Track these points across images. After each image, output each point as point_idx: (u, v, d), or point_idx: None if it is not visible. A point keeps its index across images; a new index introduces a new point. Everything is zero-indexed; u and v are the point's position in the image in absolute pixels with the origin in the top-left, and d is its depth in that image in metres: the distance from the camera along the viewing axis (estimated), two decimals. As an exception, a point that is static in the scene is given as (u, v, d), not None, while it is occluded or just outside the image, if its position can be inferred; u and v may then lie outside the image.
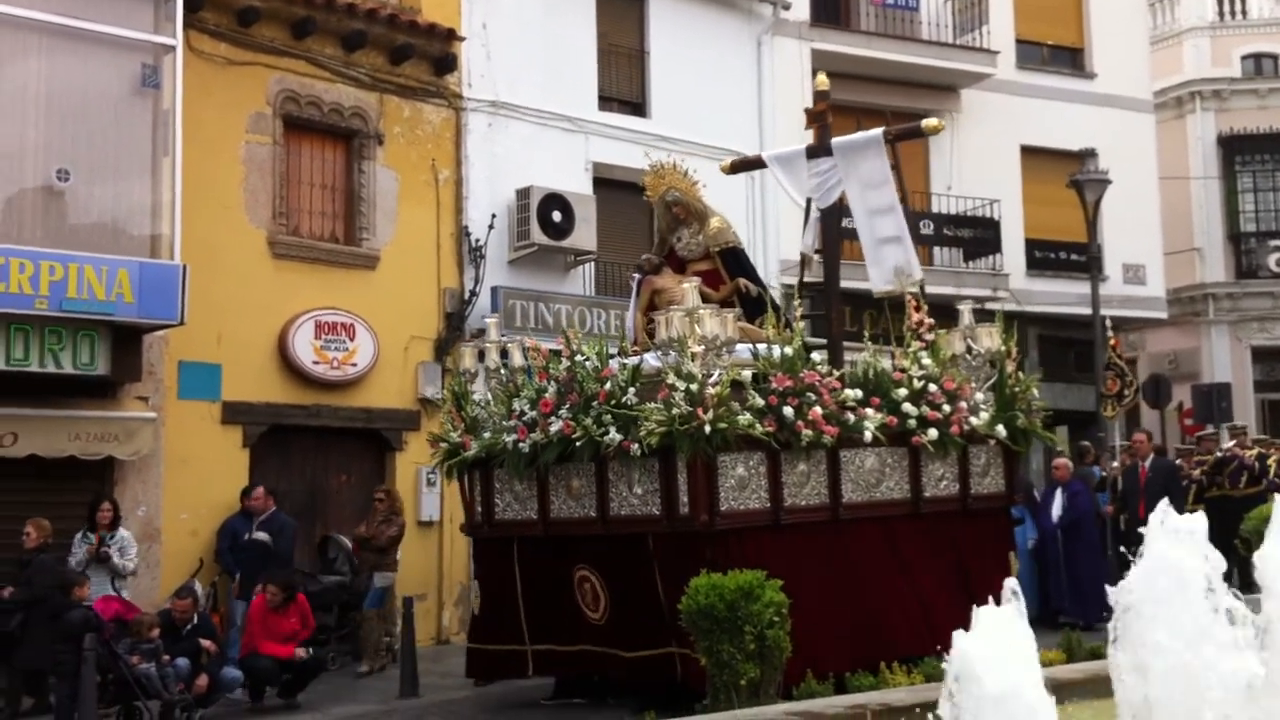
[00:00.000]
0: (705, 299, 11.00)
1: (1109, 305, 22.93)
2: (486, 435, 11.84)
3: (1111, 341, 18.25)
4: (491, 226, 17.81)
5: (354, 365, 16.48)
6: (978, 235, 23.84)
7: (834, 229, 12.78)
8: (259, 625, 13.03)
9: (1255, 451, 18.45)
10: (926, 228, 23.30)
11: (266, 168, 16.18)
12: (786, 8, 21.43)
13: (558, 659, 11.79)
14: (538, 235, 17.83)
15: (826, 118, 12.83)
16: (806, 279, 13.63)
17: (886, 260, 12.60)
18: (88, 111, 13.95)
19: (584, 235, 18.08)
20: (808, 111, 13.25)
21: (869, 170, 12.52)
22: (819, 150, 12.72)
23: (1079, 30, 26.23)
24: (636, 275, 13.12)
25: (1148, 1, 28.29)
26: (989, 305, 23.40)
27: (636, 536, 10.84)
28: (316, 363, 16.24)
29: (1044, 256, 25.08)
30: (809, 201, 12.93)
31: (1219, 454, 18.60)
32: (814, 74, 21.23)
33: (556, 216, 17.98)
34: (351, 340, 16.47)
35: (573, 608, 11.44)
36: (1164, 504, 5.19)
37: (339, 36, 16.77)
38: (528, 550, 11.89)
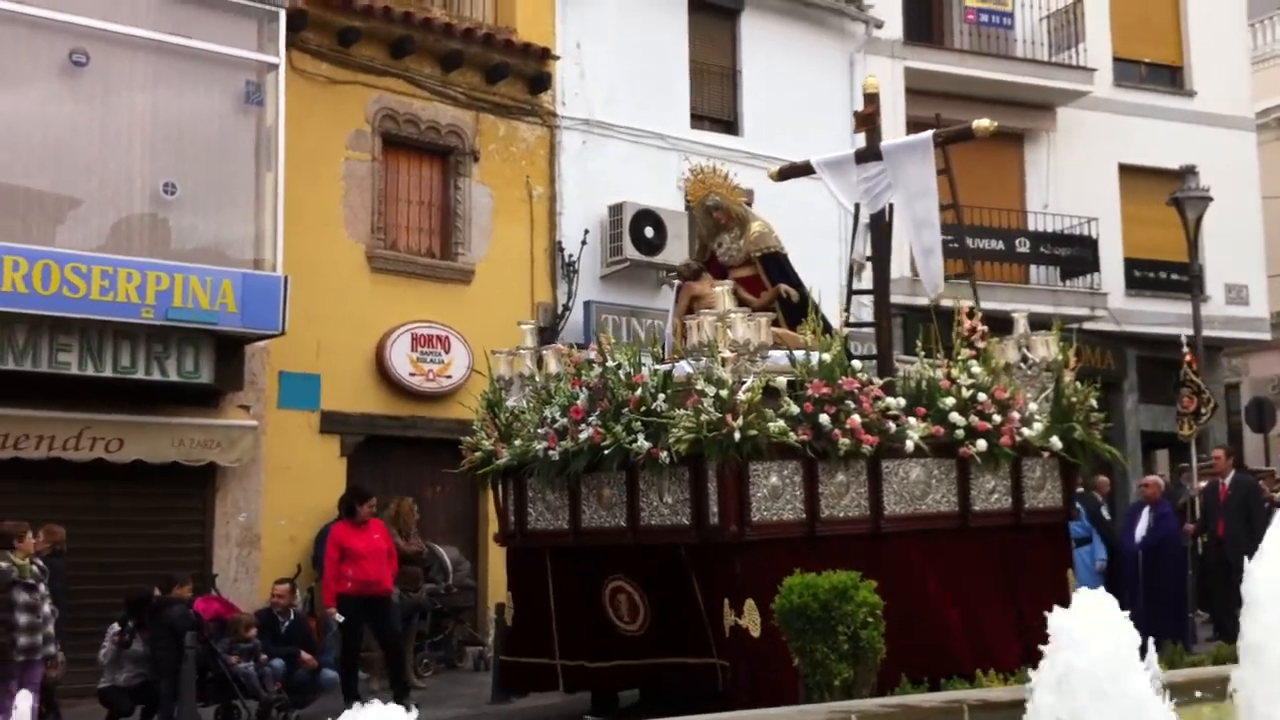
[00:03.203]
0: (744, 305, 10.80)
1: (1210, 326, 22.63)
2: (518, 443, 11.56)
3: (1187, 358, 17.95)
4: (584, 242, 18.08)
5: (449, 378, 16.78)
6: (1075, 254, 23.66)
7: (884, 235, 12.44)
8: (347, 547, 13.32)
9: None
10: (1022, 245, 23.24)
11: (365, 184, 16.59)
12: (879, 26, 21.50)
13: (588, 675, 11.47)
14: (630, 251, 18.05)
15: (876, 121, 12.53)
16: (856, 287, 13.40)
17: (931, 267, 12.40)
18: (194, 127, 14.44)
19: (676, 251, 18.24)
20: (857, 115, 12.99)
21: (917, 174, 12.18)
22: (868, 154, 12.39)
23: (1178, 48, 25.99)
24: (676, 281, 12.85)
25: (1248, 21, 27.95)
26: (1087, 325, 23.31)
27: (670, 546, 10.58)
28: (412, 374, 16.58)
29: (1143, 276, 24.82)
30: (858, 208, 12.71)
31: None
32: (909, 93, 21.50)
33: (649, 233, 18.19)
34: (447, 353, 16.78)
35: (604, 621, 11.16)
36: None
37: (436, 56, 17.16)
38: (560, 561, 11.65)
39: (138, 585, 12.89)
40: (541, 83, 18.02)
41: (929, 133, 12.51)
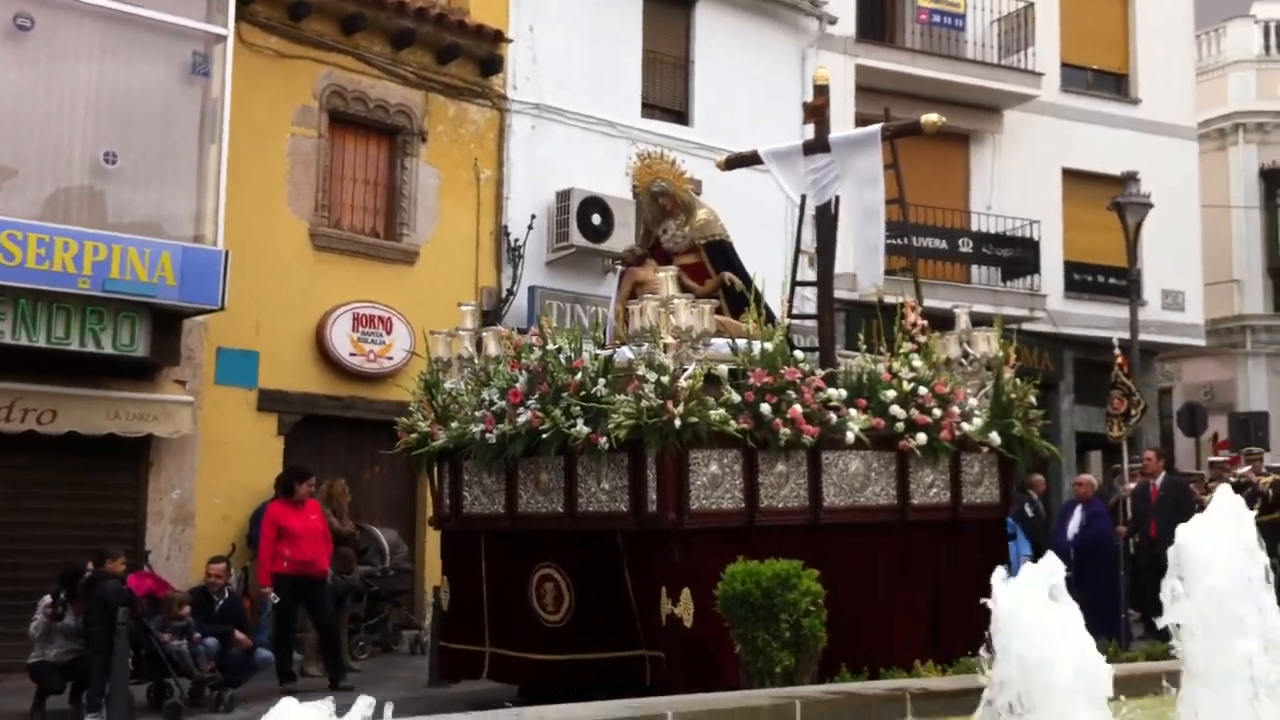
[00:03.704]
0: (688, 292, 10.74)
1: (1147, 330, 22.88)
2: (455, 425, 11.42)
3: (1119, 360, 18.08)
4: (531, 227, 17.98)
5: (389, 359, 16.64)
6: (1016, 255, 23.85)
7: (829, 228, 12.39)
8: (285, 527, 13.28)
9: (1271, 479, 18.15)
10: (965, 245, 23.37)
11: (311, 161, 16.39)
12: (833, 22, 21.51)
13: (512, 666, 11.37)
14: (577, 237, 17.97)
15: (825, 112, 12.42)
16: (800, 278, 13.34)
17: (873, 262, 12.34)
18: (138, 97, 14.20)
19: (623, 238, 18.15)
20: (806, 106, 12.85)
21: (865, 167, 12.14)
22: (816, 146, 12.28)
23: (1124, 56, 26.20)
24: (619, 267, 12.72)
25: (1195, 32, 28.22)
26: (1025, 325, 23.46)
27: (605, 534, 10.49)
28: (353, 355, 16.42)
29: (1083, 279, 25.03)
30: (804, 199, 12.68)
31: (1232, 480, 18.37)
32: (858, 90, 21.53)
33: (596, 220, 18.13)
34: (388, 334, 16.63)
35: (530, 611, 11.07)
36: None
37: (387, 34, 16.99)
38: (494, 546, 11.54)
39: (71, 559, 12.70)
40: (493, 65, 17.88)
41: (877, 126, 12.52)
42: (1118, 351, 18.91)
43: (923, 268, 21.32)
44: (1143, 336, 21.61)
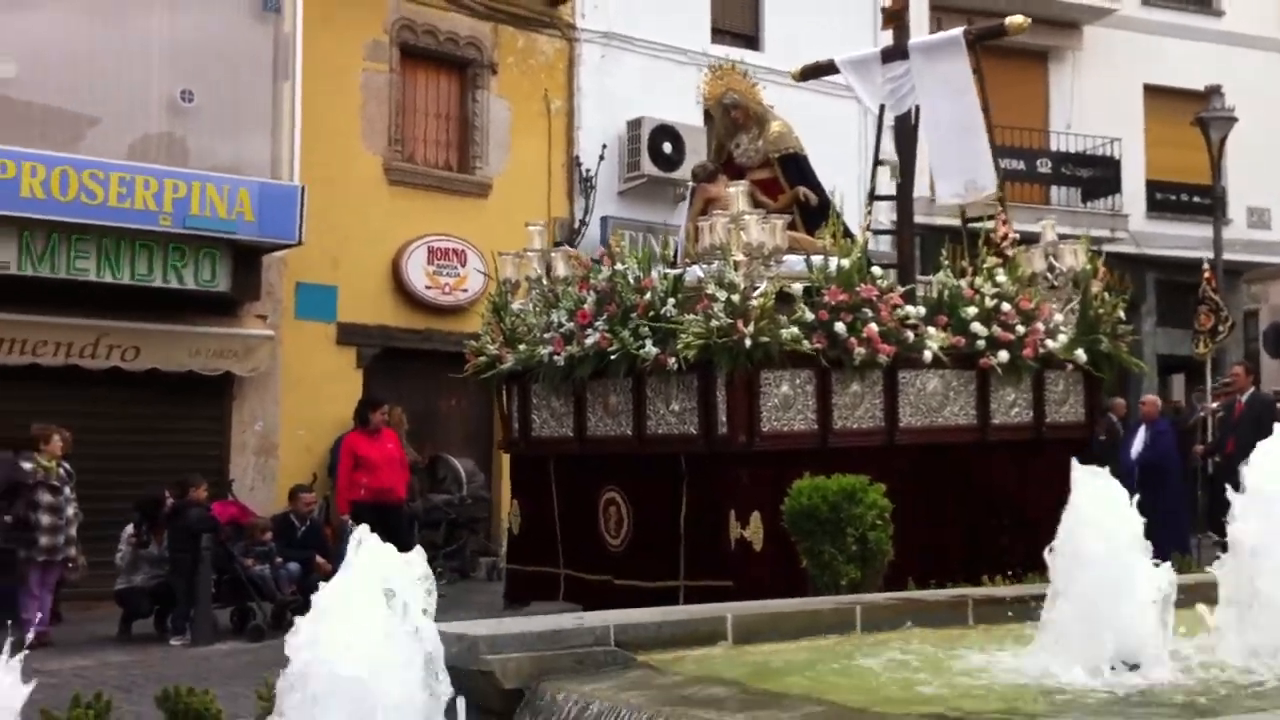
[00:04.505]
0: (760, 207, 10.41)
1: (1231, 249, 22.46)
2: (523, 348, 11.28)
3: (1205, 274, 17.67)
4: (602, 157, 18.05)
5: (465, 291, 16.83)
6: (1097, 175, 23.53)
7: (909, 138, 12.01)
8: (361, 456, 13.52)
9: None
10: (1044, 166, 23.12)
11: (383, 95, 16.58)
12: (905, -60, 21.22)
13: (583, 588, 11.16)
14: (648, 167, 18.00)
15: (904, 17, 12.07)
16: (878, 193, 12.90)
17: (956, 171, 11.86)
18: (210, 36, 14.42)
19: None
20: (884, 10, 12.48)
21: (947, 73, 11.70)
22: (895, 53, 11.94)
23: (1207, -33, 25.66)
24: (691, 184, 12.41)
25: (1280, -60, 27.54)
26: (1106, 247, 23.11)
27: (670, 457, 10.31)
28: (428, 287, 16.65)
29: (1165, 199, 24.63)
30: (882, 109, 12.37)
31: None
32: (932, 9, 21.25)
33: (667, 148, 18.13)
34: (463, 266, 16.82)
35: (597, 535, 10.95)
36: None
37: (455, -34, 17.10)
38: (564, 469, 11.40)
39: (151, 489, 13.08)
40: (560, -6, 17.94)
41: (959, 29, 12.11)
42: (1206, 267, 18.63)
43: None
44: (1227, 255, 21.24)
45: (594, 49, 18.35)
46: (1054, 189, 23.38)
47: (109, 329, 14.20)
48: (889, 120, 12.39)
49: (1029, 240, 12.42)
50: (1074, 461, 5.49)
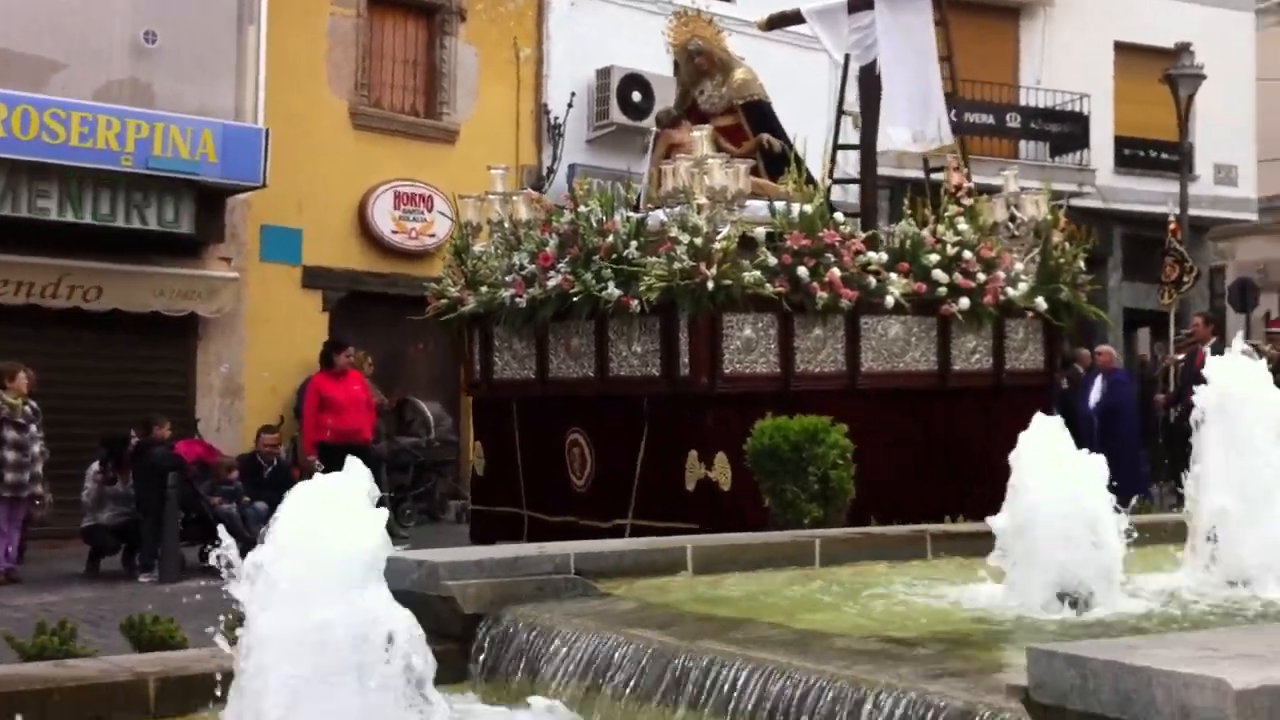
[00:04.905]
0: (723, 153, 10.38)
1: (1198, 205, 22.55)
2: (485, 290, 11.29)
3: (1171, 227, 17.69)
4: (570, 105, 18.04)
5: (432, 236, 16.81)
6: (1065, 130, 23.58)
7: (874, 88, 11.98)
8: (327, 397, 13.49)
9: None
10: (1013, 120, 23.15)
11: (350, 40, 16.57)
12: (879, -108, 21.14)
13: (547, 529, 10.99)
14: (617, 115, 17.98)
15: None
16: (842, 141, 12.90)
17: (906, 120, 11.90)
18: (175, -25, 14.31)
19: (663, 116, 18.17)
20: None
21: (910, 23, 11.76)
22: (860, 3, 11.92)
23: (1179, -76, 25.63)
24: (654, 129, 12.39)
25: (1253, -100, 27.53)
26: (1074, 201, 23.22)
27: (632, 400, 10.36)
28: (395, 232, 16.65)
29: (1133, 154, 24.70)
30: (847, 59, 12.35)
31: None
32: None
33: (636, 97, 18.10)
34: (429, 212, 16.79)
35: (562, 474, 10.99)
36: None
37: (425, -91, 17.00)
38: (527, 411, 11.43)
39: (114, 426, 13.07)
40: (531, -59, 17.86)
41: None
42: (1171, 218, 18.68)
43: (970, 144, 21.18)
44: (1194, 211, 21.33)
45: (564, -3, 18.29)
46: (1023, 144, 23.43)
47: (70, 268, 14.17)
48: (854, 70, 12.37)
49: (994, 192, 12.39)
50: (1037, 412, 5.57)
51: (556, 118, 17.95)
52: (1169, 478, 16.22)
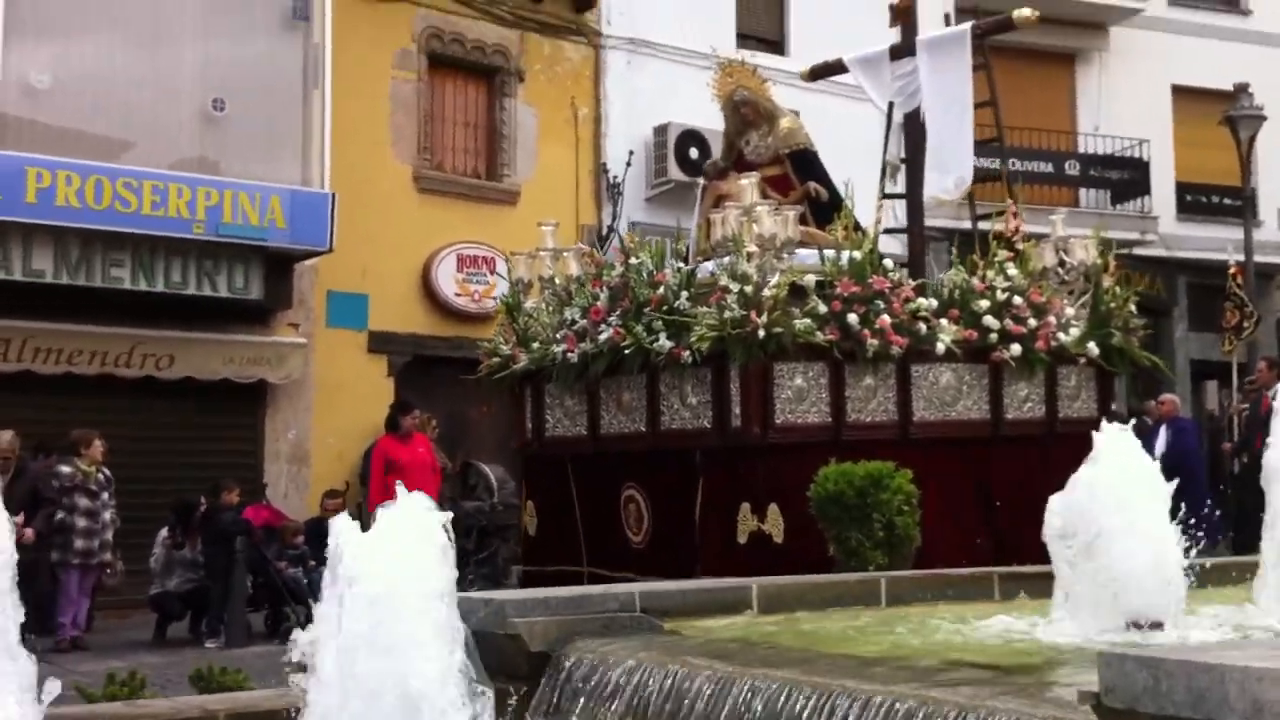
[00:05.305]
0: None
1: (1263, 252, 22.22)
2: (536, 347, 11.20)
3: (1231, 271, 17.49)
4: (629, 163, 18.15)
5: (494, 299, 16.83)
6: (1125, 177, 23.45)
7: (918, 136, 11.87)
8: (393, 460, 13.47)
9: None
10: (1072, 168, 23.07)
11: (411, 104, 16.76)
12: (929, -56, 21.29)
13: (609, 584, 11.22)
14: (675, 172, 18.08)
15: (912, 14, 11.98)
16: (889, 190, 12.82)
17: (947, 167, 11.74)
18: (241, 44, 14.61)
19: (721, 172, 18.28)
20: (892, 8, 12.26)
21: (952, 69, 11.62)
22: (903, 50, 11.84)
23: (1233, -35, 25.61)
24: (702, 181, 12.35)
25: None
26: (1137, 250, 23.08)
27: (686, 453, 10.22)
28: (458, 295, 16.78)
29: (1196, 200, 24.50)
30: (891, 106, 12.20)
31: None
32: (957, 13, 21.24)
33: (694, 153, 18.19)
34: (492, 274, 16.89)
35: (619, 530, 10.84)
36: None
37: (481, -26, 17.27)
38: (580, 468, 11.27)
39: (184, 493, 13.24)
40: (586, 1, 18.07)
41: (967, 24, 12.09)
42: (1232, 263, 18.43)
43: (1029, 193, 21.10)
44: (1259, 258, 21.04)
45: (619, 55, 18.47)
46: (1083, 191, 23.33)
47: (144, 338, 14.36)
48: (898, 118, 12.41)
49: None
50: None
51: (615, 176, 18.08)
52: (1238, 528, 16.05)
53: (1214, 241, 23.49)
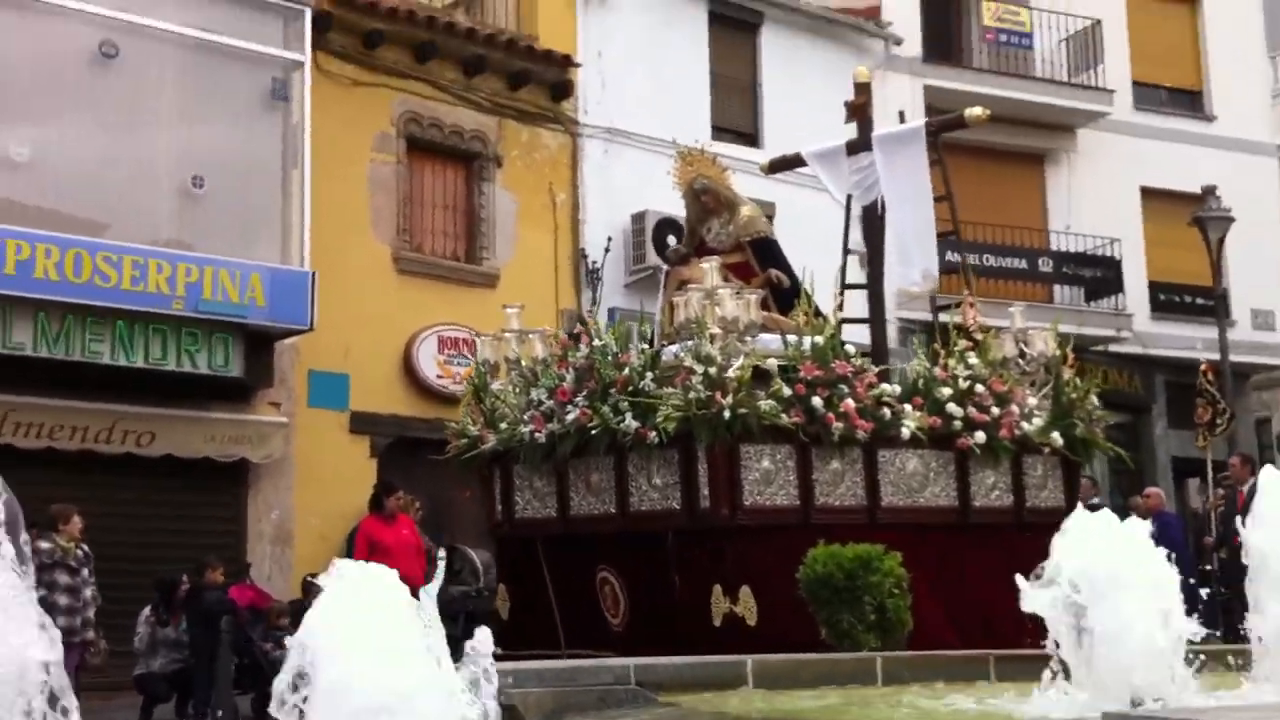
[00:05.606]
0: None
1: (1237, 351, 22.34)
2: (504, 427, 11.21)
3: (1202, 368, 17.62)
4: (608, 249, 18.29)
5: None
6: (1099, 275, 23.67)
7: (877, 227, 12.12)
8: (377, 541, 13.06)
9: None
10: (1045, 265, 23.29)
11: (391, 186, 16.91)
12: (898, 43, 21.77)
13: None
14: (653, 259, 18.15)
15: (867, 111, 12.30)
16: (850, 280, 12.90)
17: (915, 259, 11.97)
18: (221, 121, 14.79)
19: (699, 260, 18.42)
20: (848, 104, 12.55)
21: (908, 164, 11.86)
22: (860, 145, 12.08)
23: (1197, 73, 26.12)
24: (664, 267, 12.50)
25: (1270, 53, 28.02)
26: (1113, 347, 23.25)
27: (656, 534, 10.26)
28: (439, 377, 16.74)
29: (1169, 299, 24.71)
30: (849, 199, 12.45)
31: None
32: (928, 111, 21.59)
33: (672, 240, 18.24)
34: (473, 356, 16.86)
35: (597, 612, 10.80)
36: None
37: (460, 60, 17.51)
38: (552, 550, 11.25)
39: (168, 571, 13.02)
40: (563, 90, 18.35)
41: (920, 121, 12.49)
42: (1202, 361, 18.54)
43: (1003, 289, 21.31)
44: (1234, 357, 21.13)
45: (597, 144, 18.72)
46: (1057, 289, 23.53)
47: (124, 413, 14.25)
48: (856, 210, 12.56)
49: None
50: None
51: (594, 261, 18.20)
52: (1225, 623, 15.90)
53: (1189, 340, 23.66)
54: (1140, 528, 5.57)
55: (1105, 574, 5.30)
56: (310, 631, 3.80)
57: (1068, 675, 5.43)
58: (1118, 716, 3.10)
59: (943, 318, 12.38)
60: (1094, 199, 23.93)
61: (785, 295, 11.49)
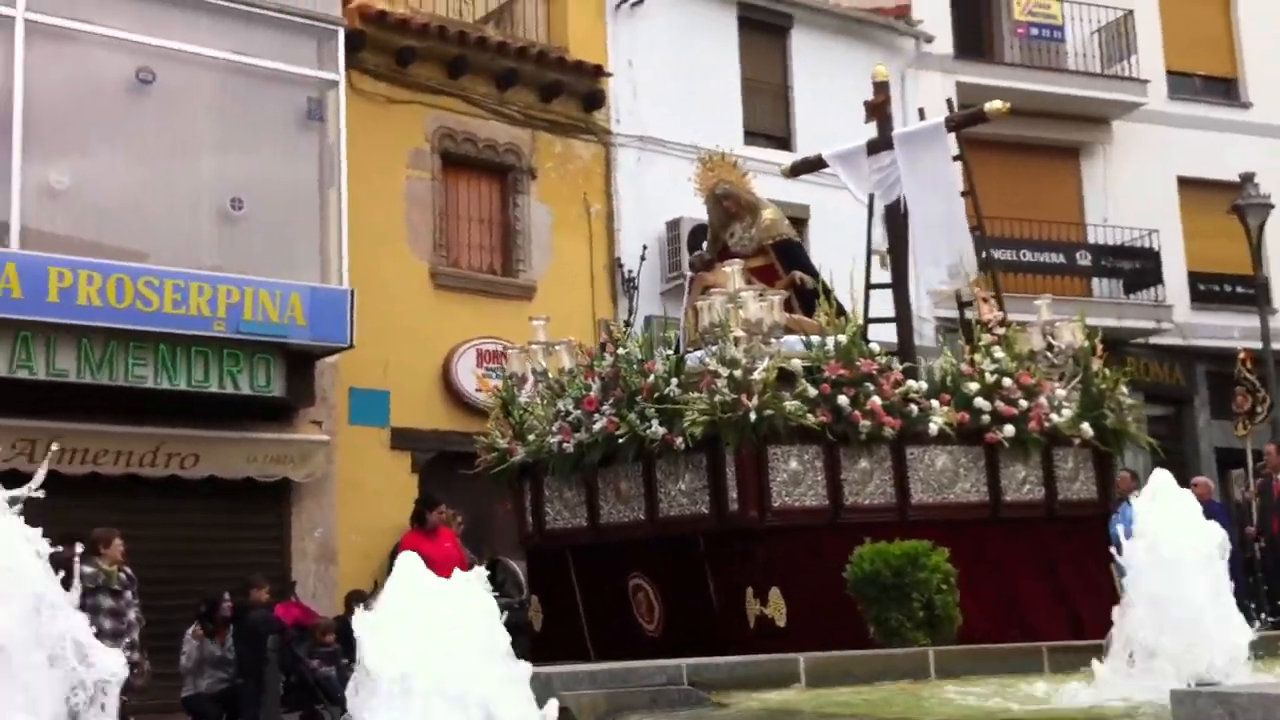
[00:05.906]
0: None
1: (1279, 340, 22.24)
2: (532, 439, 11.27)
3: (1241, 355, 17.46)
4: (643, 258, 18.28)
5: (514, 393, 16.90)
6: (1137, 266, 23.52)
7: (900, 226, 12.09)
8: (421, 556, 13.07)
9: None
10: (1084, 258, 23.15)
11: (426, 202, 16.97)
12: (929, 41, 21.70)
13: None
14: (688, 266, 18.13)
15: (886, 109, 12.27)
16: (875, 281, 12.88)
17: (938, 259, 11.98)
18: (258, 143, 14.85)
19: (735, 265, 18.38)
20: (867, 104, 12.54)
21: (930, 161, 11.88)
22: (880, 144, 12.08)
23: (1231, 60, 25.89)
24: (689, 273, 12.48)
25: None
26: (1153, 339, 23.11)
27: (687, 539, 10.27)
28: (478, 390, 16.76)
29: (1209, 289, 24.51)
30: (871, 199, 12.45)
31: None
32: (962, 109, 21.45)
33: (703, 246, 18.29)
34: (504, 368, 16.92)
35: (630, 620, 10.76)
36: None
37: (492, 75, 17.60)
38: (582, 560, 11.28)
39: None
40: (595, 100, 18.39)
41: (940, 117, 12.31)
42: (1241, 350, 18.38)
43: (1042, 283, 21.16)
44: (1276, 345, 21.01)
45: (630, 153, 18.75)
46: (1095, 282, 23.39)
47: (167, 437, 14.33)
48: (879, 210, 12.50)
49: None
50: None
51: (630, 270, 18.21)
52: (1271, 610, 15.79)
53: (1230, 330, 23.48)
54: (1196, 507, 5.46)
55: (1181, 549, 5.22)
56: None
57: (1130, 657, 5.38)
58: (1185, 694, 3.09)
59: (968, 314, 12.33)
60: (1130, 190, 23.75)
61: (810, 297, 11.45)
